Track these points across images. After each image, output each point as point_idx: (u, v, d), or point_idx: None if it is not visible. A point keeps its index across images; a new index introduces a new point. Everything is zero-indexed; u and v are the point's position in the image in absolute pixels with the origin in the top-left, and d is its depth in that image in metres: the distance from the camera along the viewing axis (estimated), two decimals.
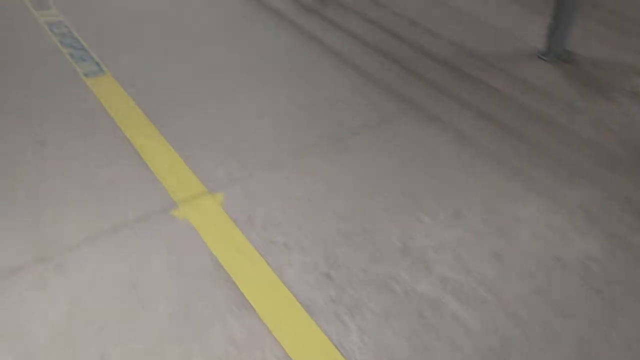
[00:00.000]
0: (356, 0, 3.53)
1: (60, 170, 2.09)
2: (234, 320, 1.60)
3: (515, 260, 1.82)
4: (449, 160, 2.24)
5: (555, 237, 1.92)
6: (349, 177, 2.13)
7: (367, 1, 3.54)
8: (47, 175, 2.07)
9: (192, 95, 2.55)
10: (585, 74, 2.90)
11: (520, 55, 3.04)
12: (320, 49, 2.98)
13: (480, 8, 3.53)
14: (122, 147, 2.22)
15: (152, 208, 1.95)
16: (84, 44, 2.89)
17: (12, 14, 3.11)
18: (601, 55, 3.06)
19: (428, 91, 2.66)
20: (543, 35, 3.19)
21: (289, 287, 1.70)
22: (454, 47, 3.06)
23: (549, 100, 2.66)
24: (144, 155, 2.18)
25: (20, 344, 1.52)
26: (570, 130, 2.46)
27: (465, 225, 1.95)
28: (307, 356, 1.52)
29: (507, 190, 2.11)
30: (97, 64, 2.74)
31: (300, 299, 1.66)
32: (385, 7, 3.45)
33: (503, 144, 2.35)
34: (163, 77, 2.67)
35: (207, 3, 3.41)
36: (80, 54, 2.80)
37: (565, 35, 2.99)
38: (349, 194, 2.05)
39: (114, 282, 1.69)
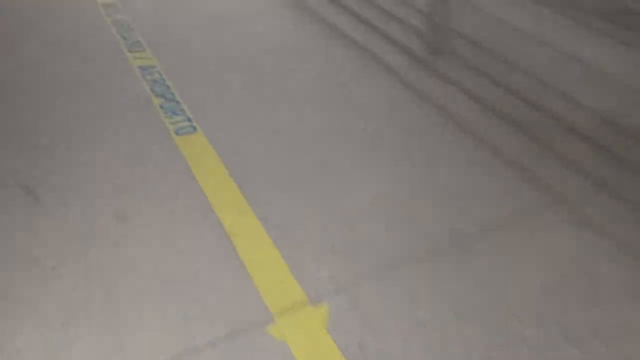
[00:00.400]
0: (474, 53, 3.11)
1: (141, 256, 1.81)
2: None
3: None
4: (614, 285, 1.76)
5: None
6: (480, 295, 1.71)
7: (488, 54, 3.11)
8: (125, 261, 1.80)
9: (291, 168, 2.22)
10: None
11: None
12: (437, 114, 2.58)
13: (621, 67, 3.01)
14: (212, 230, 1.91)
15: (244, 319, 1.62)
16: (175, 93, 2.65)
17: (105, 54, 2.94)
18: None
19: (574, 179, 2.19)
20: None
21: None
22: (597, 118, 2.57)
23: None
24: (235, 242, 1.87)
25: None
26: None
27: None
28: None
29: None
30: (189, 119, 2.48)
31: None
32: (509, 62, 3.01)
33: None
34: (259, 141, 2.36)
35: (304, 52, 3.11)
36: (172, 106, 2.56)
37: None
38: (484, 321, 1.63)
39: None
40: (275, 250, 1.85)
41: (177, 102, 2.59)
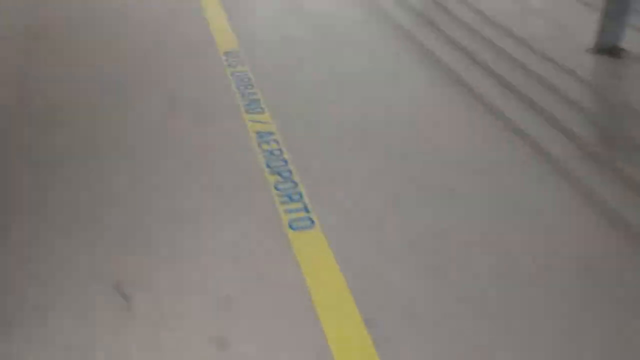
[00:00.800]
0: None
1: None
2: None
3: None
4: None
5: None
6: None
7: None
8: None
9: (432, 301, 1.71)
10: None
11: None
12: (625, 238, 1.98)
13: None
14: None
15: None
16: (293, 171, 2.28)
17: (221, 115, 2.63)
18: None
19: None
20: None
21: None
22: None
23: None
24: None
25: None
26: None
27: None
28: None
29: None
30: (306, 208, 2.09)
31: None
32: None
33: None
34: (390, 253, 1.89)
35: (443, 124, 2.63)
36: (288, 189, 2.19)
37: None
38: None
39: None
40: None
41: (295, 184, 2.21)
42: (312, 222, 2.02)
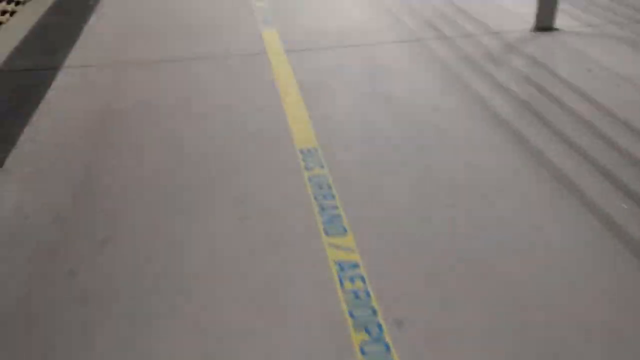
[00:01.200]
0: None
1: None
2: None
3: None
4: None
5: None
6: None
7: None
8: None
9: None
10: None
11: None
12: None
13: None
14: None
15: None
16: (385, 326, 1.82)
17: (294, 234, 2.21)
18: None
19: None
20: None
21: None
22: None
23: None
24: None
25: None
26: None
27: None
28: None
29: None
30: None
31: None
32: None
33: None
34: None
35: (571, 269, 2.09)
36: (379, 355, 1.72)
37: None
38: None
39: None
40: None
41: (387, 347, 1.75)
42: None
